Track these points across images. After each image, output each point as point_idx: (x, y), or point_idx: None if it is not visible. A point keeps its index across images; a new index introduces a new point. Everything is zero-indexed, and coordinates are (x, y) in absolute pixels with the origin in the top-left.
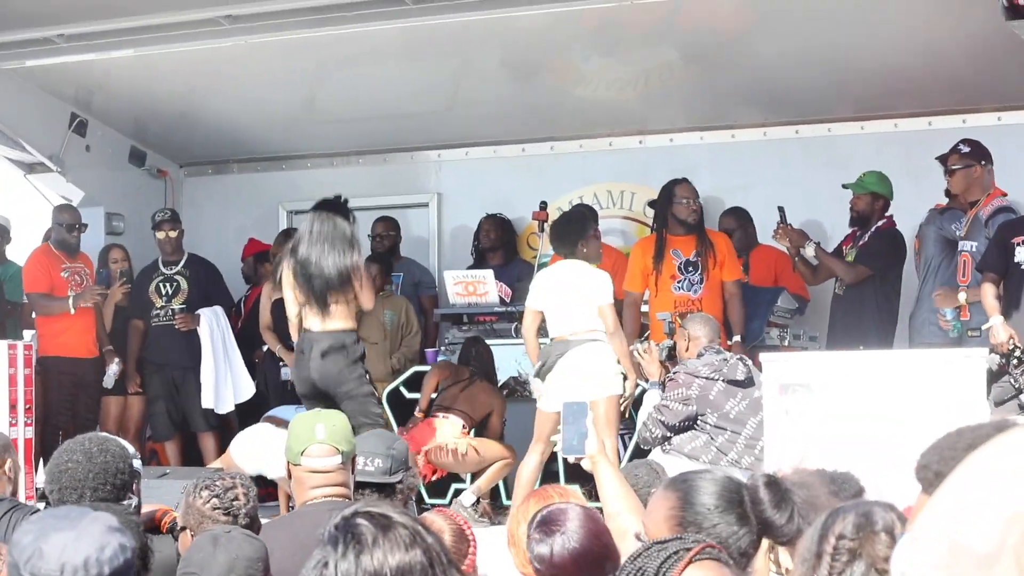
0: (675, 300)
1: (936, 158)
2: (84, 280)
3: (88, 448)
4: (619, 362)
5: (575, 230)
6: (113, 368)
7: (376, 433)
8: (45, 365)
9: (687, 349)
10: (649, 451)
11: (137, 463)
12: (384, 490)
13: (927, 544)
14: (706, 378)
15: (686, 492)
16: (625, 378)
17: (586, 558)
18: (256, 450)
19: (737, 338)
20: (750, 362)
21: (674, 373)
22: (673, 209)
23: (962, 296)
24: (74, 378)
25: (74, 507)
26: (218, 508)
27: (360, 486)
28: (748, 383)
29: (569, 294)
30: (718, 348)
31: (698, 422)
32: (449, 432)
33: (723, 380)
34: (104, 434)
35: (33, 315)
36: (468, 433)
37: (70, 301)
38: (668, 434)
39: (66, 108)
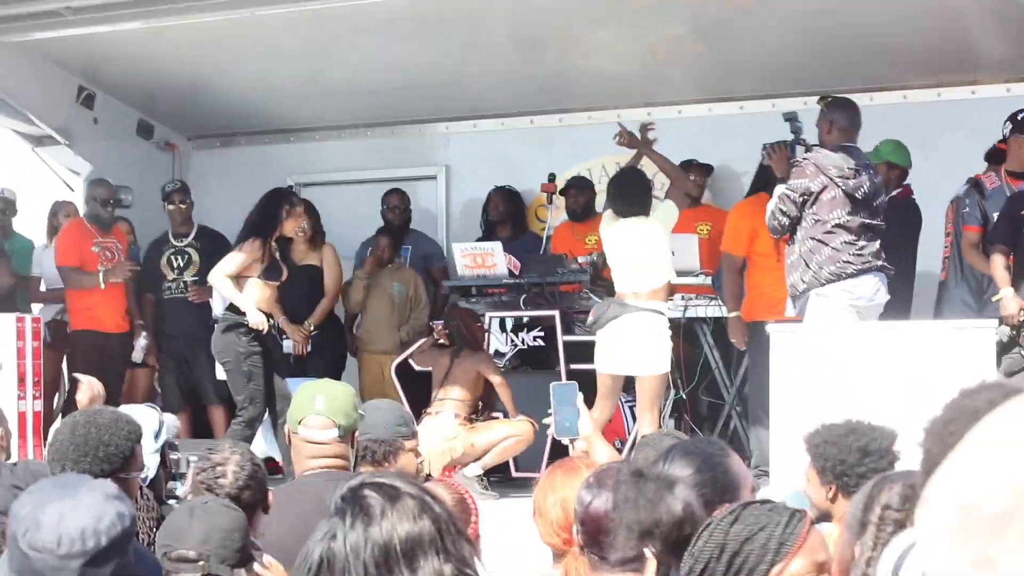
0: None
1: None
2: (115, 255)
3: (75, 421)
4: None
5: (646, 190)
6: (142, 341)
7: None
8: (74, 339)
9: (829, 132)
10: None
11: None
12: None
13: (937, 508)
14: (830, 179)
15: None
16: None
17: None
18: None
19: None
20: (878, 184)
21: (804, 159)
22: None
23: None
24: (102, 352)
25: (73, 475)
26: (202, 483)
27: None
28: (863, 204)
29: (637, 252)
30: (858, 150)
31: (802, 216)
32: (437, 432)
33: (842, 190)
34: (104, 408)
35: (41, 287)
36: (465, 418)
37: (100, 276)
38: (797, 215)
39: (74, 81)
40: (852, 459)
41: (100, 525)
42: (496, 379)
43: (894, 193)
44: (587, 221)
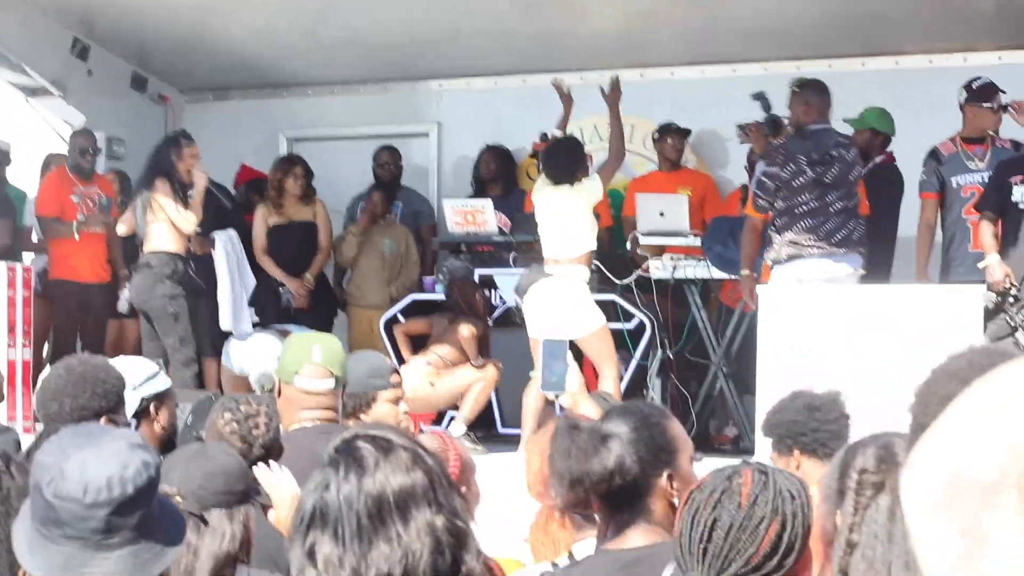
0: None
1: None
2: (96, 205)
3: (69, 363)
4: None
5: (577, 159)
6: (127, 292)
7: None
8: (55, 288)
9: (806, 113)
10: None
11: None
12: None
13: (926, 474)
14: (799, 166)
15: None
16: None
17: None
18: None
19: None
20: (850, 161)
21: (777, 147)
22: None
23: None
24: (82, 302)
25: (95, 424)
26: (235, 433)
27: None
28: (834, 186)
29: (562, 220)
30: (829, 130)
31: (776, 198)
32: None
33: (810, 176)
34: (95, 356)
35: (34, 238)
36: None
37: (74, 226)
38: (773, 199)
39: (68, 33)
40: (802, 417)
41: (126, 473)
42: (470, 346)
43: (877, 160)
44: None
